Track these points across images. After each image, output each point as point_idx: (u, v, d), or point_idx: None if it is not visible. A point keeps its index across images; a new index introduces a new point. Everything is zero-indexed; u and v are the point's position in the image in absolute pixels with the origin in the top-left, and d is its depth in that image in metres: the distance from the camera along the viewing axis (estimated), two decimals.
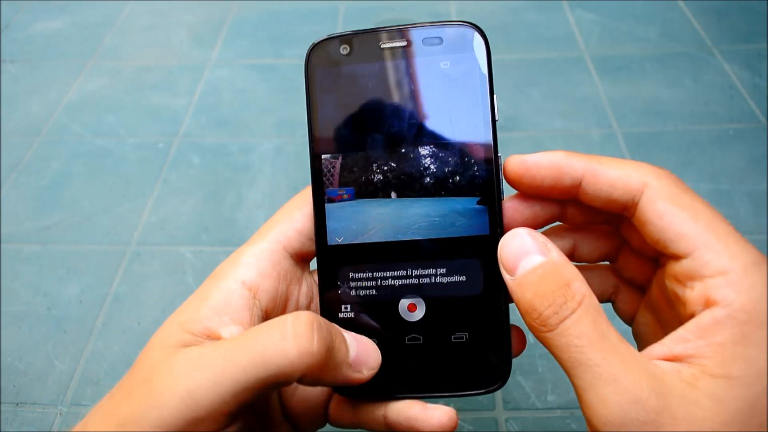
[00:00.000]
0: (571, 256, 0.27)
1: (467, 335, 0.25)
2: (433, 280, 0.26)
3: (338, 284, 0.26)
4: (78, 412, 0.40)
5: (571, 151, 0.24)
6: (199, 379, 0.21)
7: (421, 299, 0.26)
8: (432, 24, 0.26)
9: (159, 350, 0.23)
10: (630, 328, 0.28)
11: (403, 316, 0.26)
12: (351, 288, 0.26)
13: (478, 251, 0.25)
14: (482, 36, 0.25)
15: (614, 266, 0.27)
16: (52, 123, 0.63)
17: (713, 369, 0.19)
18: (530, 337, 0.25)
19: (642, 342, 0.26)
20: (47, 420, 0.40)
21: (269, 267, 0.25)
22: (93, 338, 0.44)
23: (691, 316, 0.21)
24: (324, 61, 0.26)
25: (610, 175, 0.23)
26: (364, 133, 0.26)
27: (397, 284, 0.26)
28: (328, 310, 0.26)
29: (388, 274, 0.26)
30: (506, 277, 0.23)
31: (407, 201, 0.26)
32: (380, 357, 0.25)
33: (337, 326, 0.24)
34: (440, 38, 0.26)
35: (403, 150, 0.26)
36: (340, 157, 0.26)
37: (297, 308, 0.27)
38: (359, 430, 0.27)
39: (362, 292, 0.26)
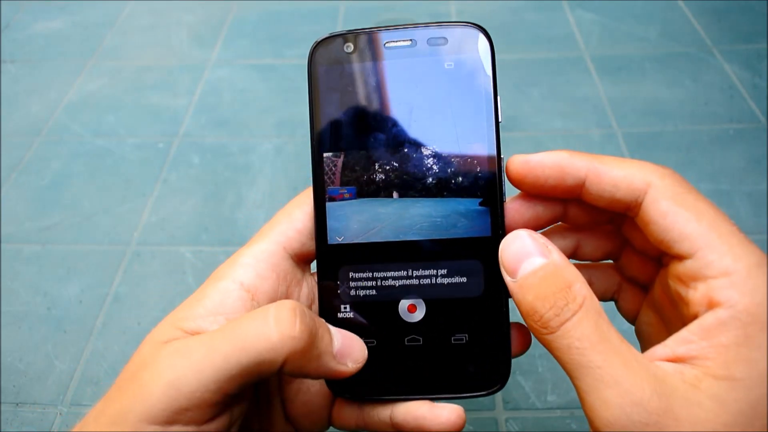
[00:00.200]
0: (574, 255, 0.27)
1: (467, 337, 0.25)
2: (433, 281, 0.25)
3: (338, 284, 0.26)
4: (78, 412, 0.40)
5: (574, 150, 0.24)
6: (182, 368, 0.21)
7: (421, 300, 0.25)
8: (437, 24, 0.26)
9: (148, 346, 0.23)
10: (632, 328, 0.27)
11: (403, 316, 0.26)
12: (351, 288, 0.26)
13: (480, 253, 0.25)
14: (487, 37, 0.25)
15: (617, 265, 0.27)
16: (52, 123, 0.63)
17: (716, 370, 0.19)
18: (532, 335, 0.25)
19: (645, 341, 0.26)
20: (47, 420, 0.40)
21: (268, 269, 0.25)
22: (93, 338, 0.44)
23: (694, 316, 0.20)
24: (327, 59, 0.26)
25: (614, 174, 0.23)
26: (366, 132, 0.26)
27: (397, 285, 0.26)
28: (328, 309, 0.26)
29: (389, 274, 0.26)
30: (507, 279, 0.23)
31: (409, 201, 0.26)
32: (366, 352, 0.25)
33: (322, 319, 0.24)
34: (445, 38, 0.26)
35: (405, 150, 0.26)
36: (342, 156, 0.26)
37: None
38: None
39: (362, 292, 0.26)
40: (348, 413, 0.26)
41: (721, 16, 0.71)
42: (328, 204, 0.26)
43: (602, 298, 0.27)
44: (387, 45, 0.26)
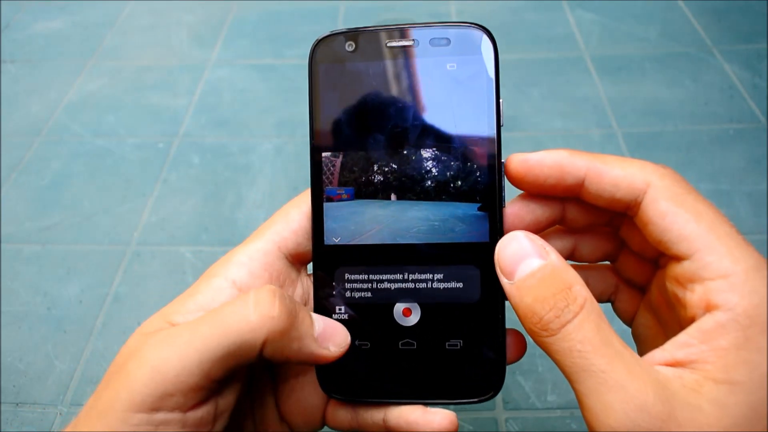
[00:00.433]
0: (572, 256, 0.27)
1: (462, 343, 0.25)
2: (429, 285, 0.25)
3: (333, 285, 0.26)
4: (78, 412, 0.40)
5: (574, 149, 0.24)
6: (165, 354, 0.21)
7: (416, 304, 0.25)
8: (440, 24, 0.25)
9: (135, 338, 0.23)
10: (628, 329, 0.27)
11: (397, 320, 0.25)
12: (346, 289, 0.26)
13: (477, 258, 0.25)
14: (491, 39, 0.25)
15: (614, 266, 0.27)
16: (52, 123, 0.63)
17: (716, 374, 0.19)
18: (529, 338, 0.25)
19: (641, 343, 0.26)
20: (47, 420, 0.40)
21: (261, 268, 0.25)
22: (93, 338, 0.44)
23: (692, 318, 0.20)
24: (328, 57, 0.26)
25: (614, 174, 0.22)
26: (366, 133, 0.26)
27: (392, 288, 0.25)
28: (322, 310, 0.26)
29: (384, 277, 0.25)
30: (504, 281, 0.23)
31: (407, 203, 0.25)
32: (349, 338, 0.25)
33: (303, 305, 0.24)
34: (448, 39, 0.25)
35: (404, 151, 0.25)
36: (341, 156, 0.26)
37: None
38: None
39: (357, 294, 0.26)
40: (342, 414, 0.26)
41: (721, 16, 0.71)
42: (325, 204, 0.26)
43: (599, 299, 0.27)
44: (389, 44, 0.25)
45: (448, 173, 0.25)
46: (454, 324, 0.25)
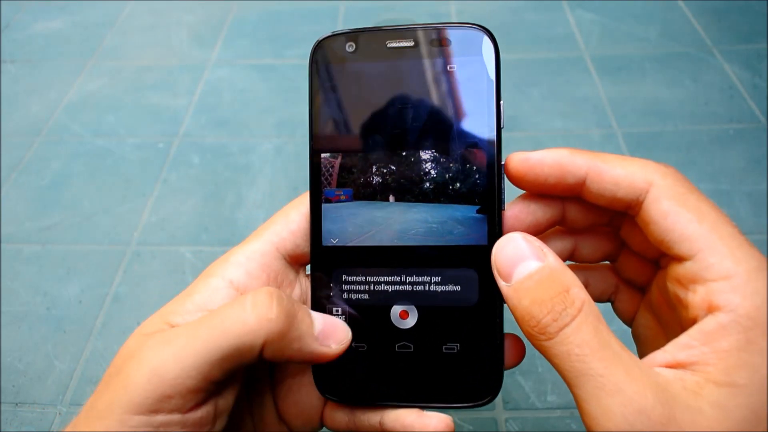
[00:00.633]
0: (572, 257, 0.27)
1: (459, 346, 0.25)
2: (426, 288, 0.25)
3: (330, 286, 0.26)
4: (77, 412, 0.40)
5: (575, 148, 0.23)
6: (163, 356, 0.21)
7: (413, 307, 0.25)
8: (441, 25, 0.25)
9: (134, 339, 0.23)
10: (628, 330, 0.27)
11: (394, 322, 0.25)
12: (343, 291, 0.26)
13: (475, 261, 0.24)
14: (492, 40, 0.25)
15: (614, 266, 0.27)
16: (52, 123, 0.63)
17: (717, 376, 0.19)
18: (528, 342, 0.25)
19: (642, 344, 0.26)
20: (46, 420, 0.40)
21: (258, 268, 0.25)
22: (93, 338, 0.44)
23: (693, 319, 0.20)
24: (329, 58, 0.26)
25: (615, 173, 0.22)
26: (365, 134, 0.25)
27: (390, 290, 0.25)
28: (319, 311, 0.26)
29: (382, 279, 0.25)
30: (501, 283, 0.22)
31: (405, 205, 0.25)
32: (350, 334, 0.24)
33: (302, 304, 0.24)
34: (448, 40, 0.25)
35: (404, 153, 0.25)
36: (340, 157, 0.26)
37: None
38: None
39: (354, 296, 0.25)
40: (339, 415, 0.26)
41: (721, 16, 0.71)
42: (324, 205, 0.26)
43: (599, 299, 0.27)
44: (389, 45, 0.25)
45: (446, 175, 0.25)
46: (451, 327, 0.25)
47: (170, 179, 0.56)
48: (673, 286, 0.22)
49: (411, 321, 0.25)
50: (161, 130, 0.61)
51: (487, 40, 0.25)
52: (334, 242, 0.26)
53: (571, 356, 0.20)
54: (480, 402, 0.24)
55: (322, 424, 0.27)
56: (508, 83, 0.64)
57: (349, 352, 0.25)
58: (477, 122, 0.25)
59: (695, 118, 0.59)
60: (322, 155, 0.26)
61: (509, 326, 0.25)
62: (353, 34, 0.26)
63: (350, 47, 0.26)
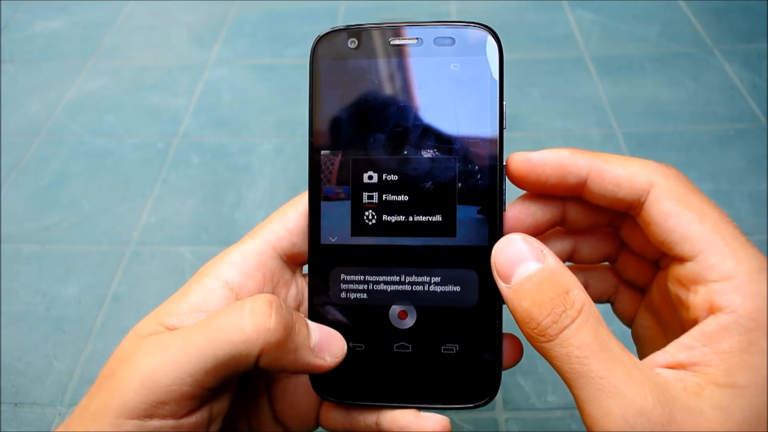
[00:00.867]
0: (571, 257, 0.26)
1: (457, 347, 0.24)
2: (426, 288, 0.25)
3: (328, 285, 0.25)
4: None
5: (576, 148, 0.23)
6: (158, 361, 0.21)
7: (412, 307, 0.25)
8: (445, 23, 0.25)
9: (129, 341, 0.23)
10: (628, 331, 0.27)
11: (393, 322, 0.25)
12: (341, 290, 0.25)
13: (475, 262, 0.24)
14: (496, 40, 0.24)
15: (614, 267, 0.27)
16: (52, 123, 0.63)
17: (718, 378, 0.19)
18: (526, 342, 0.25)
19: (641, 344, 0.26)
20: (46, 420, 0.40)
21: (254, 268, 0.25)
22: (92, 338, 0.44)
23: (695, 320, 0.20)
24: (330, 54, 0.25)
25: (616, 173, 0.22)
26: (366, 132, 0.25)
27: (388, 290, 0.25)
28: (316, 310, 0.25)
29: (380, 278, 0.25)
30: (501, 285, 0.22)
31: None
32: (345, 347, 0.24)
33: (300, 314, 0.24)
34: (452, 39, 0.25)
35: (405, 152, 0.25)
36: (340, 154, 0.25)
37: None
38: None
39: (352, 295, 0.25)
40: (335, 415, 0.26)
41: (721, 16, 0.71)
42: (323, 203, 0.25)
43: (598, 300, 0.27)
44: (392, 42, 0.25)
45: (448, 175, 0.25)
46: (450, 328, 0.25)
47: (170, 179, 0.56)
48: (674, 287, 0.22)
49: (410, 321, 0.25)
50: (161, 130, 0.61)
51: (491, 39, 0.24)
52: (333, 240, 0.25)
53: (571, 358, 0.20)
54: (478, 403, 0.24)
55: (318, 424, 0.27)
56: (509, 83, 0.64)
57: (347, 352, 0.25)
58: (479, 122, 0.24)
59: (695, 118, 0.59)
60: (322, 153, 0.25)
61: (507, 326, 0.24)
62: (355, 30, 0.25)
63: (352, 43, 0.25)
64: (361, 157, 0.25)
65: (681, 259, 0.21)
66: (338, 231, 0.25)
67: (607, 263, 0.27)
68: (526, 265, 0.22)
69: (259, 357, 0.21)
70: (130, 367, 0.21)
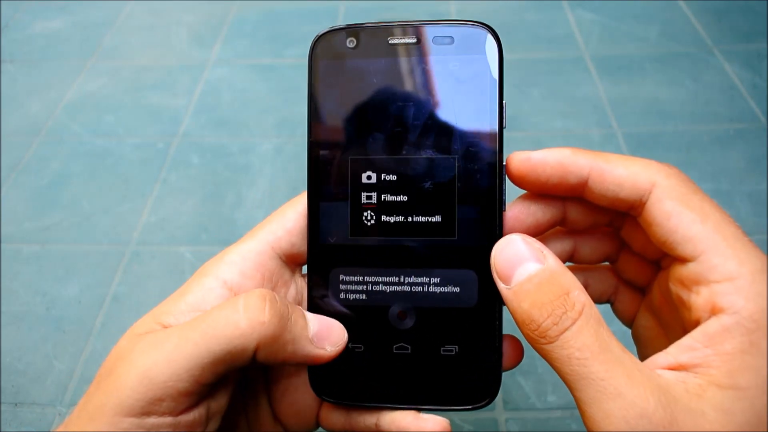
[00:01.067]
0: (571, 258, 0.26)
1: (457, 348, 0.24)
2: (425, 288, 0.25)
3: (327, 285, 0.25)
4: None
5: (577, 148, 0.23)
6: (154, 359, 0.21)
7: (412, 308, 0.25)
8: (444, 22, 0.25)
9: (126, 339, 0.23)
10: (629, 331, 0.27)
11: (392, 323, 0.25)
12: (340, 290, 0.25)
13: (475, 263, 0.24)
14: (495, 39, 0.24)
15: (614, 267, 0.27)
16: (52, 123, 0.63)
17: (720, 379, 0.19)
18: (527, 343, 0.25)
19: (642, 345, 0.26)
20: (46, 420, 0.40)
21: (252, 268, 0.25)
22: (92, 338, 0.44)
23: (696, 321, 0.20)
24: (329, 54, 0.25)
25: (618, 173, 0.22)
26: (365, 131, 0.25)
27: (388, 290, 0.25)
28: (315, 311, 0.25)
29: (380, 279, 0.25)
30: (501, 286, 0.22)
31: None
32: (345, 335, 0.24)
33: (296, 305, 0.24)
34: (451, 38, 0.24)
35: (404, 152, 0.25)
36: (339, 154, 0.25)
37: None
38: None
39: (351, 296, 0.25)
40: (335, 415, 0.26)
41: (721, 16, 0.71)
42: (322, 203, 0.25)
43: (598, 300, 0.27)
44: (391, 42, 0.25)
45: (447, 175, 0.24)
46: (450, 329, 0.24)
47: (170, 179, 0.56)
48: (675, 288, 0.21)
49: (409, 322, 0.25)
50: (161, 130, 0.61)
51: (490, 38, 0.24)
52: (332, 241, 0.25)
53: (572, 360, 0.20)
54: (478, 405, 0.24)
55: (317, 424, 0.27)
56: (509, 83, 0.63)
57: (346, 352, 0.24)
58: (479, 121, 0.24)
59: (695, 118, 0.59)
60: (321, 152, 0.25)
61: (507, 327, 0.24)
62: (354, 30, 0.25)
63: (351, 43, 0.25)
64: (360, 157, 0.25)
65: (683, 260, 0.21)
66: (337, 231, 0.25)
67: (607, 263, 0.27)
68: (525, 266, 0.21)
69: (256, 351, 0.21)
70: (127, 365, 0.21)
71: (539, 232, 0.25)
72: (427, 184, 0.25)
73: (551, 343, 0.20)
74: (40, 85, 0.67)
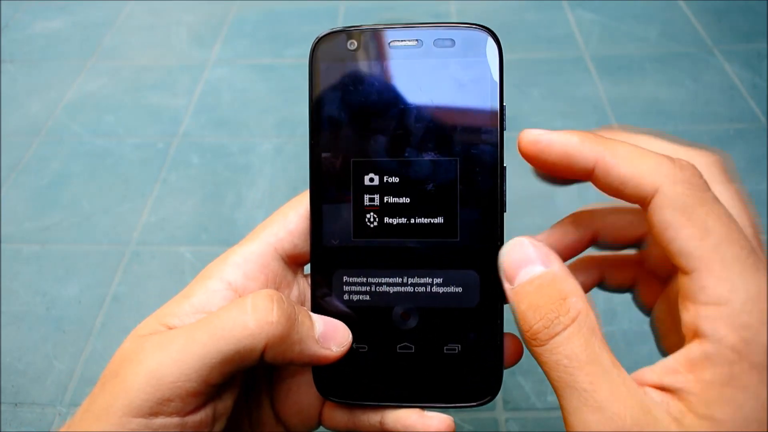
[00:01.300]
0: (596, 238, 0.25)
1: (460, 347, 0.25)
2: (428, 289, 0.25)
3: (331, 287, 0.25)
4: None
5: (588, 132, 0.22)
6: (162, 359, 0.21)
7: (415, 308, 0.25)
8: (445, 25, 0.25)
9: (130, 341, 0.23)
10: (630, 331, 0.27)
11: (395, 323, 0.25)
12: (344, 291, 0.25)
13: (477, 263, 0.24)
14: (496, 41, 0.24)
15: (641, 254, 0.26)
16: (52, 123, 0.63)
17: (698, 408, 0.18)
18: None
19: (657, 335, 0.26)
20: (46, 420, 0.40)
21: (256, 269, 0.25)
22: (92, 338, 0.44)
23: (683, 337, 0.20)
24: (329, 56, 0.25)
25: (622, 172, 0.21)
26: (366, 134, 0.25)
27: (391, 291, 0.25)
28: (319, 312, 0.25)
29: (383, 280, 0.25)
30: (506, 285, 0.22)
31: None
32: (350, 336, 0.24)
33: (302, 306, 0.24)
34: (452, 40, 0.25)
35: (405, 154, 0.25)
36: (341, 157, 0.25)
37: None
38: None
39: (355, 297, 0.25)
40: (338, 415, 0.26)
41: (721, 16, 0.71)
42: (324, 206, 0.25)
43: (621, 286, 0.27)
44: (392, 44, 0.25)
45: (449, 177, 0.25)
46: (452, 328, 0.25)
47: (170, 179, 0.56)
48: (676, 293, 0.21)
49: (412, 322, 0.25)
50: (161, 130, 0.61)
51: (491, 41, 0.24)
52: (335, 243, 0.25)
53: (560, 366, 0.20)
54: (481, 402, 0.25)
55: (320, 424, 0.27)
56: (509, 83, 0.63)
57: (350, 353, 0.25)
58: (480, 124, 0.24)
59: (695, 118, 0.59)
60: (323, 155, 0.25)
61: (508, 326, 0.25)
62: (355, 32, 0.25)
63: (352, 45, 0.25)
64: (362, 159, 0.25)
65: (681, 270, 0.20)
66: (340, 233, 0.25)
67: (631, 252, 0.26)
68: (530, 268, 0.22)
69: (264, 351, 0.22)
70: (134, 366, 0.21)
71: (570, 253, 0.25)
72: (429, 186, 0.25)
73: (541, 346, 0.20)
74: (40, 85, 0.67)
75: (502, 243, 0.24)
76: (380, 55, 0.25)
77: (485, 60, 0.24)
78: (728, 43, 0.67)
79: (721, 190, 0.23)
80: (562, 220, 0.25)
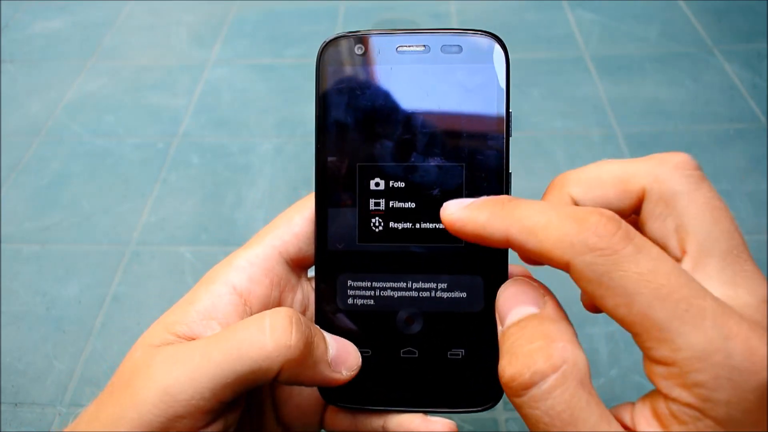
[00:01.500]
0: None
1: (464, 352, 0.25)
2: (433, 294, 0.25)
3: (336, 291, 0.25)
4: (77, 412, 0.40)
5: (500, 202, 0.21)
6: (176, 376, 0.21)
7: (419, 313, 0.25)
8: (452, 31, 0.25)
9: (140, 350, 0.22)
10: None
11: (399, 328, 0.25)
12: (348, 296, 0.25)
13: (481, 268, 0.25)
14: (503, 48, 0.25)
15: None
16: (52, 123, 0.63)
17: None
18: None
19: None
20: (46, 420, 0.40)
21: (261, 273, 0.25)
22: (92, 338, 0.44)
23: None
24: (336, 60, 0.25)
25: (531, 249, 0.19)
26: (372, 138, 0.25)
27: (396, 296, 0.25)
28: (323, 315, 0.26)
29: (388, 284, 0.25)
30: (498, 327, 0.21)
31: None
32: (360, 359, 0.24)
33: (316, 325, 0.24)
34: (460, 46, 0.25)
35: (411, 159, 0.25)
36: (347, 161, 0.25)
37: None
38: None
39: (359, 301, 0.25)
40: (341, 419, 0.26)
41: (721, 16, 0.71)
42: (330, 210, 0.25)
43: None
44: (399, 49, 0.25)
45: (454, 182, 0.25)
46: (456, 333, 0.25)
47: (170, 179, 0.56)
48: None
49: (416, 327, 0.25)
50: (161, 130, 0.61)
51: (498, 48, 0.25)
52: (340, 247, 0.25)
53: (539, 425, 0.18)
54: (484, 407, 0.25)
55: (321, 427, 0.27)
56: None
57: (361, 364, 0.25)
58: (486, 130, 0.24)
59: (695, 118, 0.59)
60: (329, 159, 0.25)
61: None
62: (362, 37, 0.25)
63: (359, 50, 0.25)
64: (368, 163, 0.25)
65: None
66: (345, 238, 0.25)
67: None
68: (520, 309, 0.20)
69: (279, 372, 0.21)
70: (146, 380, 0.21)
71: None
72: (435, 191, 0.25)
73: (518, 397, 0.18)
74: (40, 85, 0.67)
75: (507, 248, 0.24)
76: (388, 60, 0.25)
77: (492, 66, 0.25)
78: (728, 43, 0.67)
79: (696, 197, 0.21)
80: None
